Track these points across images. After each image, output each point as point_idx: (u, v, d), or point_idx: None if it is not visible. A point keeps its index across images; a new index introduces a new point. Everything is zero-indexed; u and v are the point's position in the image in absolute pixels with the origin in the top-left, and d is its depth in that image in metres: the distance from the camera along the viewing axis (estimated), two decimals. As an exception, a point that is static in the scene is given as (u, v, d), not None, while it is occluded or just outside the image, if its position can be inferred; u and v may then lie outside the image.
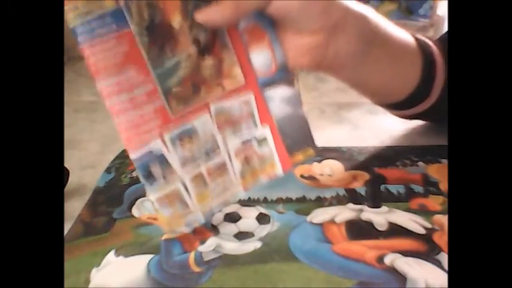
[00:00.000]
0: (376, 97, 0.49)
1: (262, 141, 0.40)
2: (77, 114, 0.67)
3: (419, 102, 0.47)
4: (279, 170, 0.40)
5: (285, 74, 0.38)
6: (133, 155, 0.35)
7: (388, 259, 0.35)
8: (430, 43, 0.46)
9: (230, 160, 0.39)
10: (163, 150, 0.36)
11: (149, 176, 0.36)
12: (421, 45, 0.45)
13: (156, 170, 0.36)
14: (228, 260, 0.37)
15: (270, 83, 0.38)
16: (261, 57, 0.38)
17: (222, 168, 0.38)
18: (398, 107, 0.49)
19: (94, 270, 0.37)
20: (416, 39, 0.45)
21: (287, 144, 0.40)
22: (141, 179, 0.36)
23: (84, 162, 0.53)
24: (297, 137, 0.40)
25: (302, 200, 0.43)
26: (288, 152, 0.40)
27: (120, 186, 0.47)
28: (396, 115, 0.52)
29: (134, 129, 0.35)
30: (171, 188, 0.37)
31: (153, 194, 0.36)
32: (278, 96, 0.39)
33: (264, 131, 0.39)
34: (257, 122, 0.39)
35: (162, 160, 0.36)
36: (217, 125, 0.38)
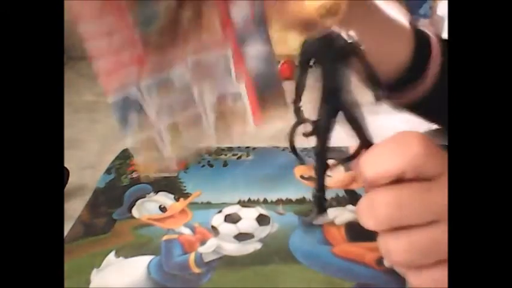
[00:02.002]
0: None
1: (236, 96, 0.40)
2: (77, 114, 0.67)
3: (410, 88, 0.47)
4: (250, 124, 0.41)
5: (262, 30, 0.38)
6: (110, 99, 0.36)
7: (388, 260, 0.35)
8: (428, 32, 0.47)
9: (205, 113, 0.39)
10: (139, 97, 0.36)
11: (125, 121, 0.36)
12: (416, 29, 0.46)
13: (132, 116, 0.37)
14: (228, 261, 0.37)
15: (247, 38, 0.38)
16: (240, 12, 0.37)
17: (196, 120, 0.39)
18: (387, 89, 0.49)
19: (94, 271, 0.37)
20: (411, 23, 0.46)
21: (260, 100, 0.41)
22: (118, 123, 0.37)
23: (84, 162, 0.53)
24: (270, 94, 0.41)
25: (302, 201, 0.43)
26: (260, 107, 0.41)
27: (120, 187, 0.47)
28: (386, 102, 0.51)
29: (112, 74, 0.35)
30: (146, 135, 0.37)
31: (128, 140, 0.37)
32: (254, 53, 0.39)
33: (239, 87, 0.40)
34: (233, 77, 0.40)
35: (138, 107, 0.37)
36: (194, 78, 0.38)
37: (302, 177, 0.47)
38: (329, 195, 0.44)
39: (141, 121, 0.37)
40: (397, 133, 0.28)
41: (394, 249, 0.27)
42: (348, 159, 0.32)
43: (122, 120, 0.36)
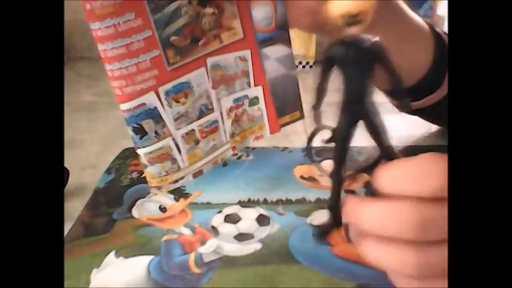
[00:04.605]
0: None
1: (253, 100, 0.38)
2: (77, 114, 0.67)
3: (428, 94, 0.45)
4: (266, 131, 0.39)
5: (283, 33, 0.37)
6: (124, 106, 0.33)
7: (388, 260, 0.35)
8: (444, 35, 0.45)
9: (222, 119, 0.38)
10: (158, 104, 0.34)
11: (140, 129, 0.34)
12: (435, 33, 0.44)
13: (147, 124, 0.34)
14: (228, 262, 0.37)
15: (268, 40, 0.37)
16: (262, 13, 0.36)
17: (213, 127, 0.37)
18: (406, 96, 0.47)
19: (94, 271, 0.37)
20: (431, 27, 0.44)
21: (277, 105, 0.39)
22: (130, 132, 0.34)
23: (84, 162, 0.53)
24: (287, 99, 0.39)
25: (302, 201, 0.43)
26: (277, 113, 0.39)
27: (120, 187, 0.47)
28: (400, 108, 0.50)
29: (128, 78, 0.32)
30: (162, 144, 0.35)
31: (142, 149, 0.35)
32: (273, 55, 0.37)
33: (257, 91, 0.38)
34: (251, 81, 0.38)
35: (155, 114, 0.34)
36: (212, 81, 0.36)
37: (302, 177, 0.47)
38: (329, 195, 0.43)
39: (158, 129, 0.34)
40: (422, 156, 0.27)
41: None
42: (366, 169, 0.30)
43: (137, 128, 0.33)
